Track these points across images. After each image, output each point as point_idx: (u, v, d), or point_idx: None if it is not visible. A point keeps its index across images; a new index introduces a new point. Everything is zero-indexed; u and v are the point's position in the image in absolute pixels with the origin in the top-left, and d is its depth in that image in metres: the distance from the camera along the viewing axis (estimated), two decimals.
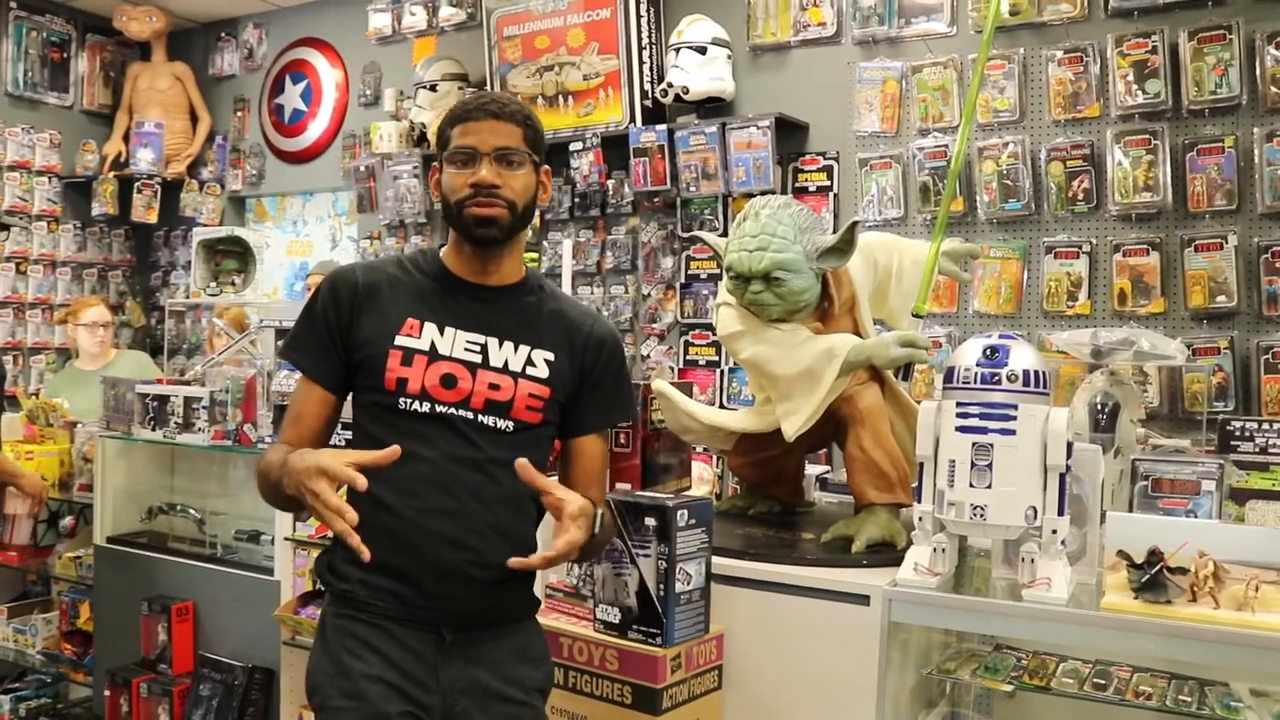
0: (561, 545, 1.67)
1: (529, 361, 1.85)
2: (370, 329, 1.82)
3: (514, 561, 1.68)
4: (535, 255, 4.71)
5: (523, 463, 1.70)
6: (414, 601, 1.76)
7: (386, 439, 1.74)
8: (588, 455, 1.95)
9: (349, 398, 1.90)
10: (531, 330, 1.88)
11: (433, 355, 1.81)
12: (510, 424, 1.82)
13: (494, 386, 1.81)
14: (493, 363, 1.83)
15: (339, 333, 1.83)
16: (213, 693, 3.30)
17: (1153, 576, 1.75)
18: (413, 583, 1.76)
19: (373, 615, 1.78)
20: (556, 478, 1.95)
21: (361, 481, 1.58)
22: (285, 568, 3.14)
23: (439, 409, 1.79)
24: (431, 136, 4.76)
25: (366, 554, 1.58)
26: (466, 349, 1.82)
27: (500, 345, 1.84)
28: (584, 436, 1.94)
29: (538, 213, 4.64)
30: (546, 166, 1.90)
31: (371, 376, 1.81)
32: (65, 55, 6.20)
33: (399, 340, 1.81)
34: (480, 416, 1.80)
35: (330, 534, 1.69)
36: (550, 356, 1.87)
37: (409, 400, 1.79)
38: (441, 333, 1.82)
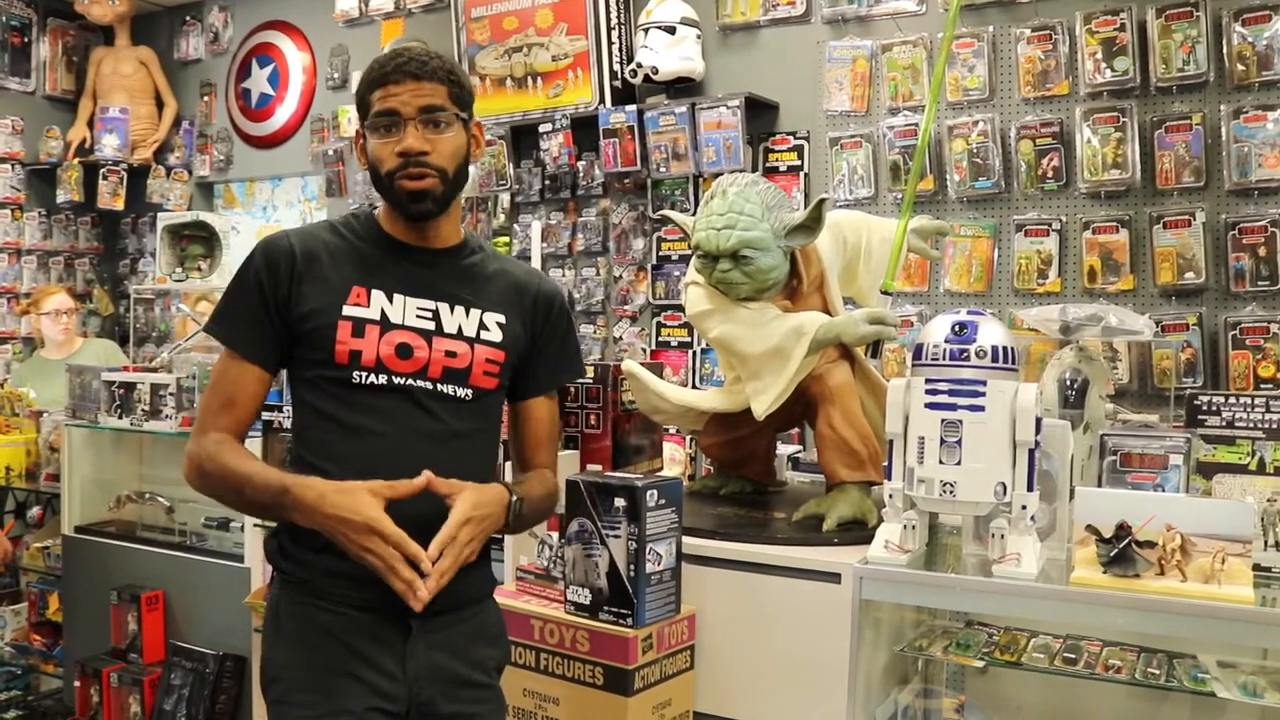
0: (445, 566, 1.59)
1: (482, 325, 1.79)
2: (313, 299, 1.71)
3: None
4: (506, 239, 4.69)
5: (429, 477, 1.62)
6: (379, 588, 1.62)
7: (338, 415, 1.69)
8: (536, 419, 1.91)
9: (289, 371, 1.79)
10: (479, 293, 1.81)
11: (385, 324, 1.72)
12: (469, 391, 1.76)
13: (451, 354, 1.74)
14: (447, 329, 1.76)
15: (276, 305, 1.71)
16: (184, 681, 3.27)
17: (1121, 550, 1.76)
18: None
19: (334, 603, 1.69)
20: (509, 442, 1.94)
21: (428, 565, 1.56)
22: (256, 554, 3.12)
23: (396, 380, 1.71)
24: None
25: (420, 604, 1.55)
26: (419, 316, 1.75)
27: (452, 310, 1.77)
28: (535, 399, 1.90)
29: (508, 196, 4.66)
30: (477, 120, 1.81)
31: (318, 350, 1.71)
32: (26, 40, 6.10)
33: (347, 310, 1.71)
34: (439, 386, 1.73)
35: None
36: (501, 319, 1.81)
37: (363, 373, 1.70)
38: (391, 300, 1.74)
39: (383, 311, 1.72)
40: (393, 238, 1.79)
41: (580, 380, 2.50)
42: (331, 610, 1.69)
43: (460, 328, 1.77)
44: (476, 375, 1.77)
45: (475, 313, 1.79)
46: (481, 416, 1.79)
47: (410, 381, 1.72)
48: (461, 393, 1.75)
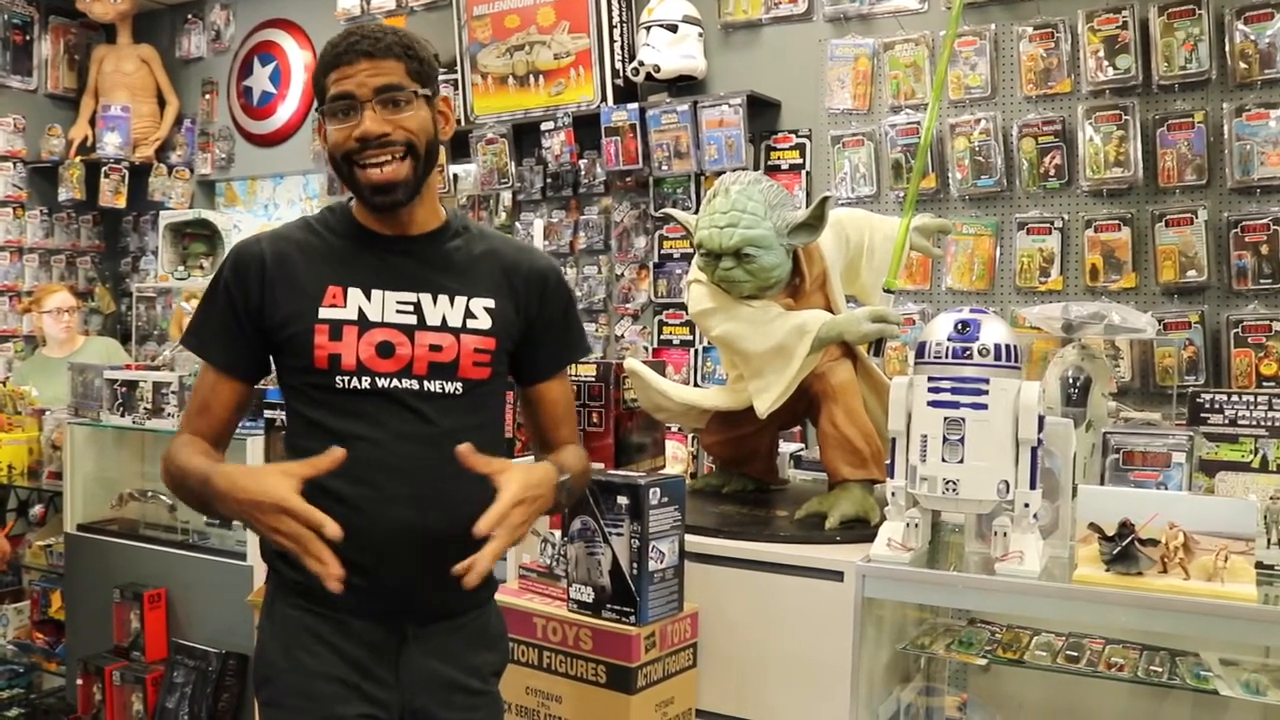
0: (497, 547, 1.51)
1: (468, 313, 1.69)
2: (288, 305, 1.65)
3: (461, 567, 1.51)
4: (508, 237, 4.68)
5: (466, 449, 1.55)
6: (374, 596, 1.60)
7: (325, 422, 1.63)
8: (549, 400, 1.84)
9: (277, 379, 1.74)
10: (464, 278, 1.72)
11: (363, 324, 1.64)
12: (458, 385, 1.67)
13: (435, 348, 1.66)
14: (430, 321, 1.67)
15: (248, 315, 1.66)
16: (186, 679, 3.28)
17: (1124, 548, 1.76)
18: (372, 577, 1.61)
19: (328, 607, 1.63)
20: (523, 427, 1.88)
21: (333, 530, 1.43)
22: (258, 553, 3.11)
23: (380, 383, 1.63)
24: None
25: (337, 584, 1.45)
26: (399, 311, 1.66)
27: (435, 301, 1.68)
28: (543, 382, 1.83)
29: (509, 194, 4.66)
30: (444, 95, 1.72)
31: (298, 356, 1.64)
32: (28, 38, 6.09)
33: (323, 313, 1.64)
34: (425, 383, 1.65)
35: None
36: (490, 304, 1.71)
37: (345, 377, 1.63)
38: (369, 297, 1.66)
39: (360, 310, 1.65)
40: (368, 229, 1.72)
41: (583, 378, 2.50)
42: (324, 614, 1.65)
43: (444, 318, 1.68)
44: (465, 367, 1.68)
45: (461, 300, 1.70)
46: (476, 411, 1.71)
47: (395, 383, 1.64)
48: (450, 388, 1.67)
